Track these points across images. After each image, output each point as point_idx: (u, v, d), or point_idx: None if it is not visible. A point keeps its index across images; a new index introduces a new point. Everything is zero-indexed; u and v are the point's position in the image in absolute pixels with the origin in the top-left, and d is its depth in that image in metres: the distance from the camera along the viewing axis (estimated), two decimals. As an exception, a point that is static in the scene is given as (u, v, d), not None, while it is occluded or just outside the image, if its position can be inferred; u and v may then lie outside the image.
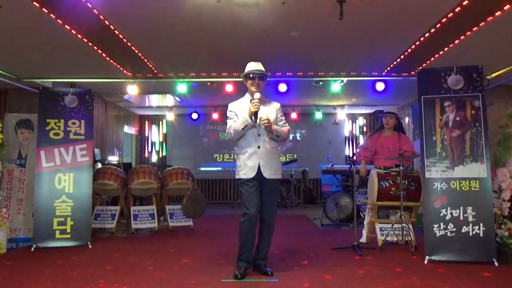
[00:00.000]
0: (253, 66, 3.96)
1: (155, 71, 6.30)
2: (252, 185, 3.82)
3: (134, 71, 6.33)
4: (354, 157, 5.75)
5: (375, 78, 6.62)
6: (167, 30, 4.57)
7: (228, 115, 4.01)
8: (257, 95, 3.83)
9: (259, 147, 3.85)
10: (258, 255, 3.94)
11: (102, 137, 8.76)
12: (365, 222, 5.61)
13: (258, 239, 3.96)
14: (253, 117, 3.79)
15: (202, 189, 11.29)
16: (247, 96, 4.02)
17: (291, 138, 11.66)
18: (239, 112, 3.93)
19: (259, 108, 3.79)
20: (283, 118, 4.08)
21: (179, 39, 4.91)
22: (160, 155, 11.85)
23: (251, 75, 3.93)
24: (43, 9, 3.86)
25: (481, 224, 4.27)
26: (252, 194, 3.82)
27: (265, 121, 3.77)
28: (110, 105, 9.29)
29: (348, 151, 11.59)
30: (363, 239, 5.40)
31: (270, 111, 3.97)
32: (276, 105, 4.06)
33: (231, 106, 4.03)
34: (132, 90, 7.13)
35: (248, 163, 3.84)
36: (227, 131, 4.00)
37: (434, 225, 4.38)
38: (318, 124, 11.29)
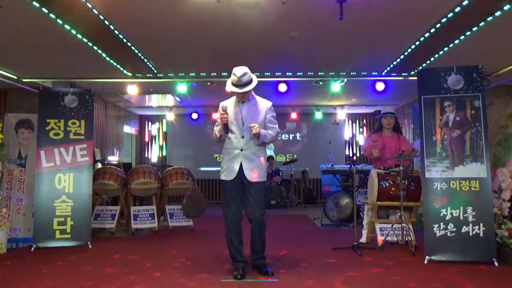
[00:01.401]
0: (236, 78, 3.73)
1: (155, 71, 6.30)
2: (232, 186, 3.83)
3: (134, 71, 6.33)
4: (362, 149, 5.56)
5: (375, 78, 6.62)
6: (167, 30, 4.57)
7: (217, 118, 3.98)
8: (224, 106, 3.78)
9: (242, 150, 3.83)
10: (255, 255, 3.93)
11: (102, 137, 8.76)
12: (364, 223, 5.60)
13: (251, 240, 3.92)
14: (223, 129, 3.81)
15: (202, 189, 11.29)
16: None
17: (291, 138, 11.66)
18: (228, 111, 3.89)
19: (226, 120, 3.78)
20: (273, 118, 3.96)
21: (179, 39, 4.91)
22: (160, 155, 11.85)
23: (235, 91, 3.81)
24: (43, 9, 3.86)
25: (481, 224, 4.26)
26: (232, 195, 3.84)
27: (255, 128, 3.73)
28: (110, 105, 9.29)
29: (348, 151, 11.59)
30: (363, 239, 5.40)
31: (257, 112, 3.90)
32: (266, 105, 3.96)
33: (221, 105, 3.96)
34: (132, 90, 7.13)
35: (230, 165, 3.84)
36: (212, 133, 4.06)
37: (434, 225, 4.37)
38: (318, 124, 11.28)
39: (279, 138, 4.05)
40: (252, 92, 3.94)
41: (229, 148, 3.90)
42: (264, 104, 3.96)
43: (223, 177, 3.90)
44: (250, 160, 3.83)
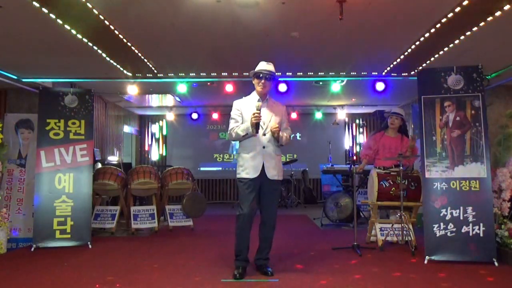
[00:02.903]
0: (263, 65, 3.93)
1: (155, 71, 6.30)
2: (251, 185, 3.82)
3: (134, 71, 6.33)
4: (358, 156, 5.70)
5: (375, 78, 6.62)
6: (167, 30, 4.57)
7: (232, 114, 3.98)
8: (258, 105, 3.79)
9: (264, 147, 3.84)
10: (259, 255, 3.95)
11: (102, 137, 8.76)
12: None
13: (259, 240, 3.97)
14: (254, 128, 3.78)
15: (202, 189, 11.29)
16: (254, 94, 3.99)
17: (291, 138, 11.63)
18: (244, 111, 3.91)
19: (260, 119, 3.77)
20: (287, 121, 4.08)
21: (179, 39, 4.91)
22: (160, 155, 11.85)
23: (258, 75, 3.90)
24: (43, 9, 3.86)
25: (481, 224, 4.27)
26: (250, 194, 3.82)
27: (275, 129, 3.80)
28: (110, 105, 9.29)
29: (348, 151, 11.59)
30: (372, 239, 5.33)
31: (276, 114, 3.96)
32: (282, 107, 4.07)
33: (237, 104, 4.00)
34: (132, 90, 7.13)
35: (252, 163, 3.83)
36: (229, 132, 3.98)
37: (434, 225, 4.38)
38: (318, 124, 11.29)
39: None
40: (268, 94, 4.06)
41: (250, 146, 3.87)
42: (280, 106, 4.08)
43: (244, 175, 3.85)
44: (272, 157, 3.86)
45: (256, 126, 3.76)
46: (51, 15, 4.00)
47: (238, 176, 3.92)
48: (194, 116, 10.54)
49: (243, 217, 3.81)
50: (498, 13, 3.97)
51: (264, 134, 3.86)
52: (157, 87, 7.84)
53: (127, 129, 10.64)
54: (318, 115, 10.70)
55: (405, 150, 5.23)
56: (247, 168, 3.85)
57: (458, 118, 4.52)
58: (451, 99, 4.56)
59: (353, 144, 11.63)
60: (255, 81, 3.95)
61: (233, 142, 11.17)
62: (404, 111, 5.40)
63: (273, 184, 3.87)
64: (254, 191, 3.84)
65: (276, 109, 4.00)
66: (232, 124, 3.95)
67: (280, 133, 3.87)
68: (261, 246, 3.96)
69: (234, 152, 11.54)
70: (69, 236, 5.23)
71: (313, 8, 3.99)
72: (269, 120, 3.89)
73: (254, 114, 3.75)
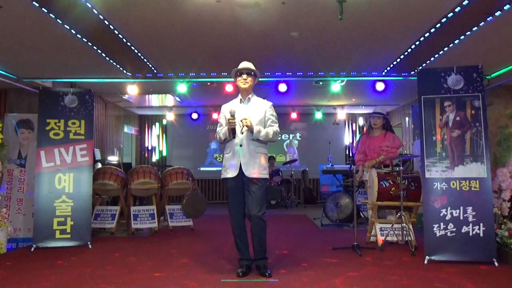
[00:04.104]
0: (242, 64, 4.00)
1: (155, 71, 6.30)
2: (234, 184, 3.86)
3: (134, 71, 6.33)
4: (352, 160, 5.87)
5: (375, 78, 6.63)
6: (167, 30, 4.57)
7: (218, 118, 4.11)
8: (232, 111, 3.82)
9: (241, 146, 3.84)
10: (256, 255, 3.91)
11: (102, 137, 8.76)
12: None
13: (251, 240, 3.91)
14: (231, 133, 3.84)
15: (202, 189, 11.29)
16: (238, 96, 4.06)
17: (291, 138, 11.66)
18: (227, 115, 3.95)
19: (234, 126, 3.83)
20: (273, 118, 3.97)
21: (179, 39, 4.91)
22: (160, 155, 11.85)
23: (240, 72, 3.97)
24: (43, 9, 3.86)
25: (481, 224, 4.26)
26: (233, 193, 3.89)
27: (245, 122, 3.76)
28: (110, 105, 9.29)
29: (348, 151, 11.60)
30: (372, 239, 5.34)
31: (256, 110, 3.94)
32: (266, 105, 4.00)
33: (223, 108, 4.10)
34: (132, 90, 7.13)
35: (231, 162, 3.87)
36: (215, 135, 4.11)
37: (434, 225, 4.37)
38: (318, 124, 11.29)
39: (279, 138, 4.06)
40: (253, 92, 4.06)
41: (229, 145, 3.93)
42: (264, 104, 4.03)
43: (225, 174, 3.90)
44: (250, 155, 3.83)
45: (232, 132, 3.84)
46: (51, 15, 4.01)
47: (221, 176, 3.98)
48: (194, 116, 10.55)
49: (233, 217, 3.91)
50: (498, 13, 3.98)
51: (242, 133, 3.87)
52: (157, 87, 7.85)
53: (127, 129, 10.65)
54: (318, 115, 10.70)
55: (383, 145, 5.41)
56: (227, 168, 3.90)
57: (458, 118, 4.52)
58: (451, 99, 4.55)
59: (352, 144, 11.62)
60: (237, 80, 4.00)
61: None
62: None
63: (253, 182, 3.81)
64: (238, 189, 3.87)
65: (258, 107, 3.97)
66: (218, 128, 4.08)
67: (256, 127, 3.80)
68: (253, 246, 3.89)
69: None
70: (69, 236, 5.23)
71: (313, 8, 3.99)
72: (249, 118, 3.86)
73: (229, 120, 3.82)
